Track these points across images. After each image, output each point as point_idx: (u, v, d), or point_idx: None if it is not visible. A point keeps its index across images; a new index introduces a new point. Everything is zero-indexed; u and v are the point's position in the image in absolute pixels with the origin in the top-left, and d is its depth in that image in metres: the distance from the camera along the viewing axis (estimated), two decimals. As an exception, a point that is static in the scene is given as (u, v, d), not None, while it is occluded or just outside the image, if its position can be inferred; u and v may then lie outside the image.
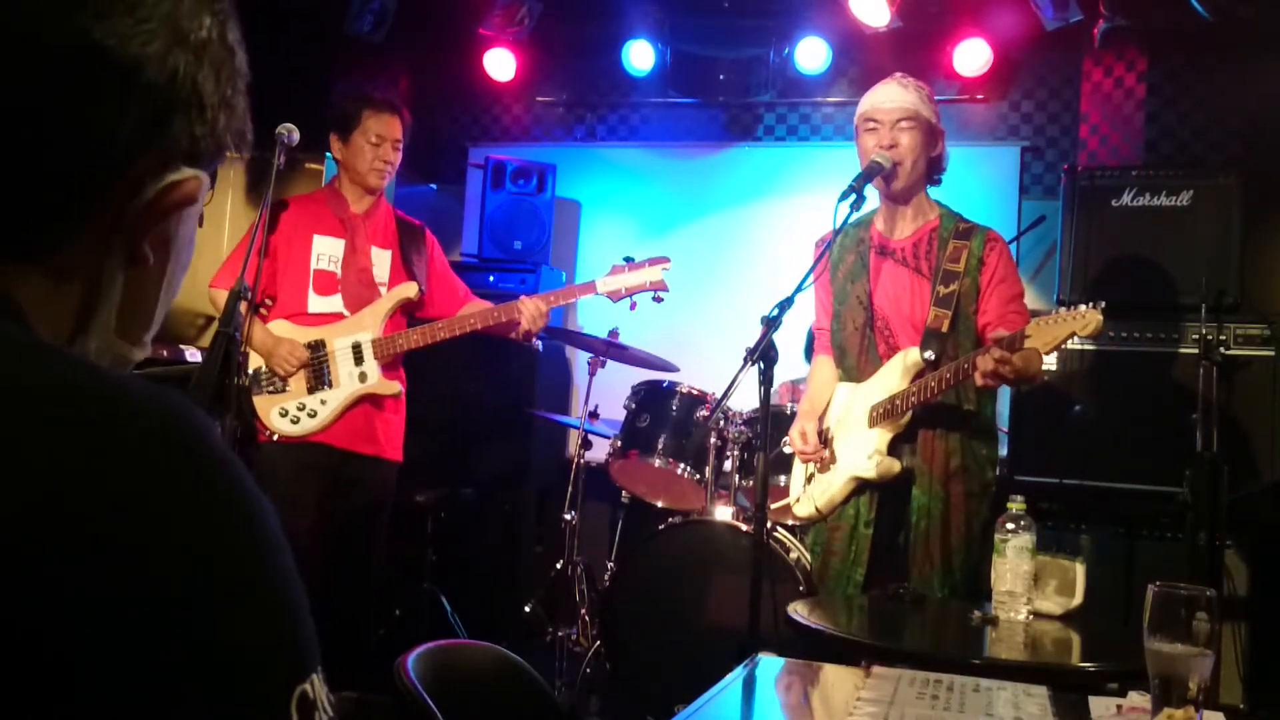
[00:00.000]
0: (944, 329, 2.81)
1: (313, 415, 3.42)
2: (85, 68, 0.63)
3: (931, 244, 2.92)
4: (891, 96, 2.90)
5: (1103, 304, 2.51)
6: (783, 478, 3.57)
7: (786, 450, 3.55)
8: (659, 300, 3.55)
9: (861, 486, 2.90)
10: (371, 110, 3.53)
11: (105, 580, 0.51)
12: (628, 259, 3.57)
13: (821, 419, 3.01)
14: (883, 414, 2.84)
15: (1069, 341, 2.60)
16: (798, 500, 3.04)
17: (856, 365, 2.97)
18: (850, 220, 2.88)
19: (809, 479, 3.04)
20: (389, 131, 3.52)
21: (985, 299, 2.86)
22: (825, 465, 2.97)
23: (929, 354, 2.80)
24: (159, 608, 0.52)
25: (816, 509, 2.96)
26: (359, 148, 3.52)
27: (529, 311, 3.48)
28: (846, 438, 2.95)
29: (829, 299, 3.05)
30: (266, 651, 0.56)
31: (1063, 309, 2.58)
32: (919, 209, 2.95)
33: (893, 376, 2.86)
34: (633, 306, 3.62)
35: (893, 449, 2.87)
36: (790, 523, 3.69)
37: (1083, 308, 2.52)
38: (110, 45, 0.63)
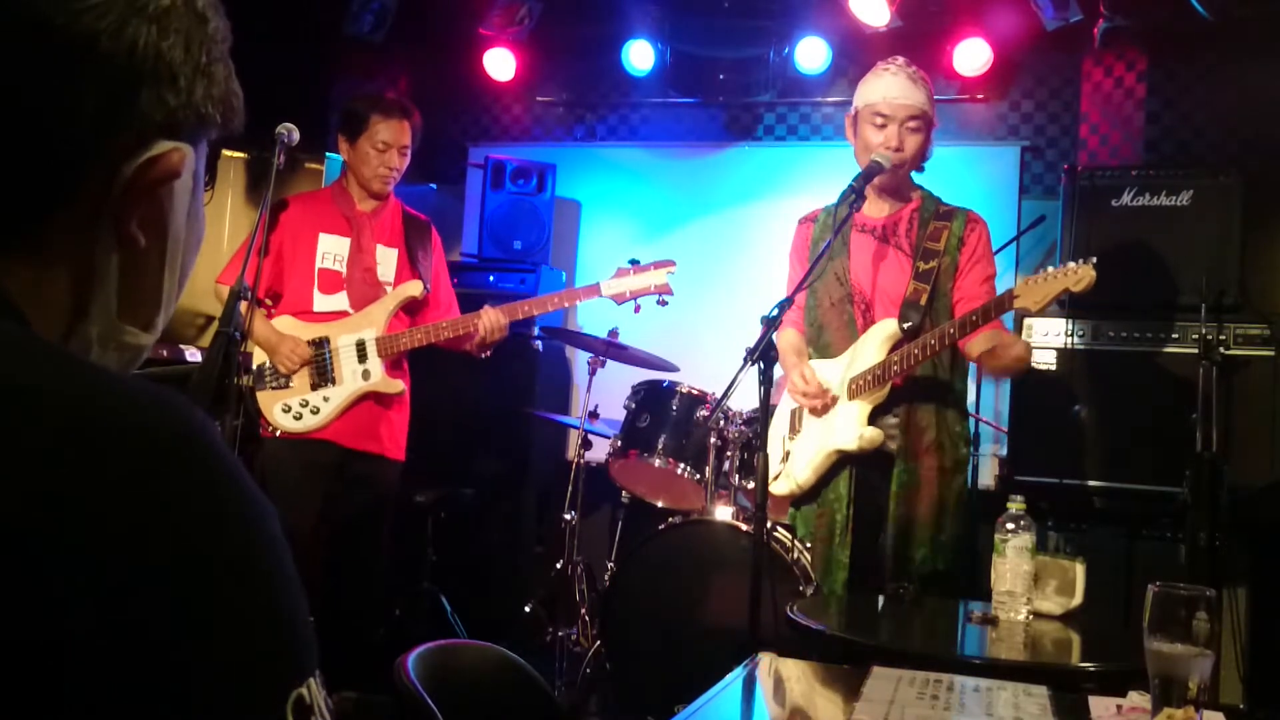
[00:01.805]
0: (922, 302, 2.85)
1: (315, 412, 3.42)
2: (37, 48, 0.61)
3: (912, 223, 2.96)
4: (904, 93, 2.89)
5: (1094, 260, 2.50)
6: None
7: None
8: (663, 304, 3.54)
9: (842, 461, 2.91)
10: (380, 115, 3.49)
11: (102, 582, 0.51)
12: (633, 261, 3.56)
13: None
14: (863, 385, 2.85)
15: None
16: (776, 477, 3.03)
17: (833, 341, 2.99)
18: (835, 202, 2.94)
19: (786, 456, 3.04)
20: (396, 138, 3.50)
21: (961, 277, 2.91)
22: (822, 420, 2.96)
23: (907, 324, 2.82)
24: (155, 610, 0.52)
25: (797, 485, 2.98)
26: (364, 153, 3.50)
27: (486, 322, 3.45)
28: (825, 412, 2.95)
29: (805, 275, 3.04)
30: (262, 654, 0.56)
31: (1051, 267, 2.57)
32: (901, 191, 3.00)
33: (870, 348, 2.87)
34: (636, 309, 3.61)
35: (872, 422, 2.88)
36: (790, 522, 3.69)
37: (1072, 264, 2.52)
38: (60, 23, 0.61)
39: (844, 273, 2.97)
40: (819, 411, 2.93)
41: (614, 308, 3.59)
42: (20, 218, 0.64)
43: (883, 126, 2.89)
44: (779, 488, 3.03)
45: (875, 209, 3.00)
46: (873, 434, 2.84)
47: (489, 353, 3.56)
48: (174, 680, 0.52)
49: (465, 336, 3.50)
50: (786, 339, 3.10)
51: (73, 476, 0.52)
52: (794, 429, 3.05)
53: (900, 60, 2.97)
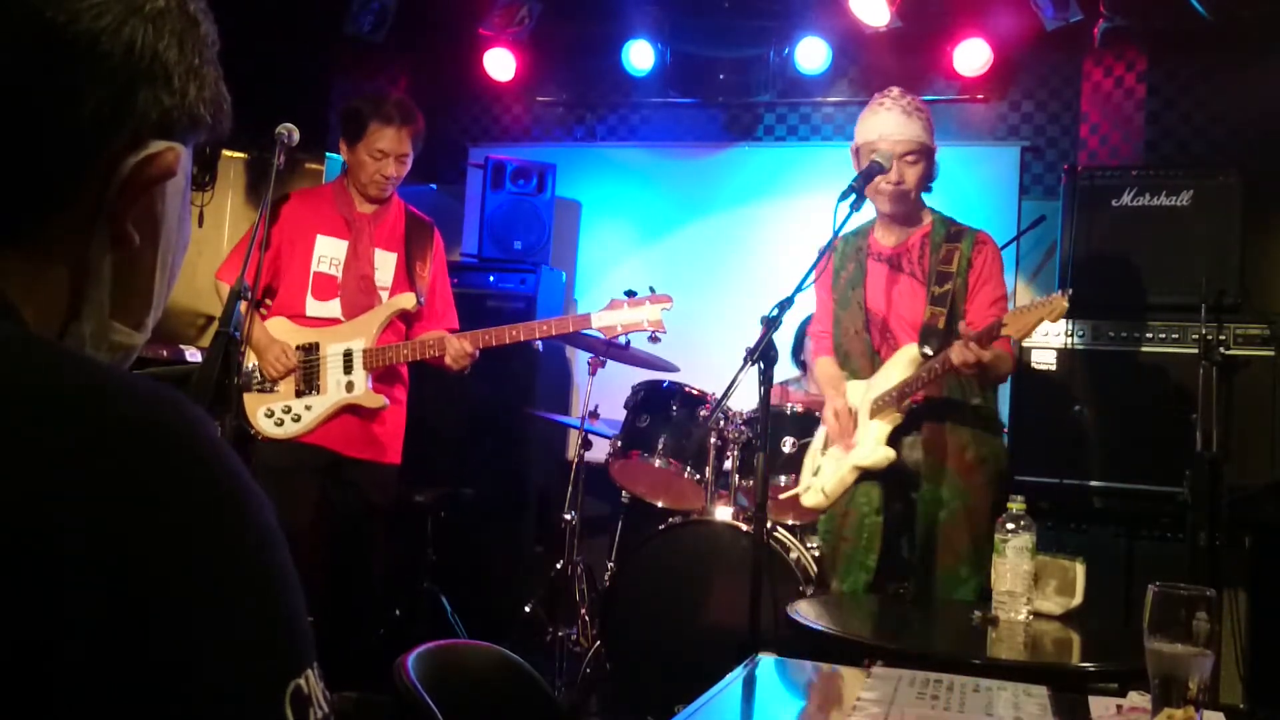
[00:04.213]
0: (940, 325, 2.91)
1: (296, 419, 3.40)
2: (39, 48, 0.62)
3: (924, 249, 3.03)
4: (898, 128, 2.95)
5: (1069, 291, 2.63)
6: (783, 478, 3.58)
7: (786, 450, 3.57)
8: (655, 340, 3.46)
9: (865, 476, 2.98)
10: (379, 122, 3.41)
11: (97, 577, 0.51)
12: (629, 293, 3.47)
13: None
14: (882, 404, 2.93)
15: (1040, 326, 2.74)
16: (807, 489, 3.12)
17: (856, 367, 3.08)
18: (851, 230, 3.03)
19: (816, 470, 3.12)
20: (393, 146, 3.42)
21: (970, 300, 2.97)
22: (843, 444, 3.05)
23: (927, 349, 2.89)
24: (151, 604, 0.52)
25: (824, 496, 3.06)
26: (361, 160, 3.44)
27: (451, 350, 3.39)
28: (850, 439, 3.02)
29: (830, 302, 3.16)
30: (259, 647, 0.56)
31: (1038, 298, 2.72)
32: (912, 217, 3.07)
33: (895, 371, 2.95)
34: (627, 346, 3.57)
35: (898, 444, 2.95)
36: (790, 522, 3.69)
37: (1055, 294, 2.64)
38: (62, 22, 0.62)
39: (863, 301, 3.07)
40: (845, 440, 3.02)
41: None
42: (21, 217, 0.64)
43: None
44: (809, 499, 3.11)
45: (887, 237, 3.09)
46: (887, 453, 2.92)
47: (466, 371, 3.50)
48: (172, 672, 0.52)
49: (442, 356, 3.46)
50: (822, 368, 3.21)
51: (73, 473, 0.52)
52: (826, 444, 3.14)
53: (895, 92, 3.03)
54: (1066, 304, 2.62)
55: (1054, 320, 2.67)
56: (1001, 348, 2.85)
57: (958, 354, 2.71)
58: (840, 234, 2.89)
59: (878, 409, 2.94)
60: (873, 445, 2.93)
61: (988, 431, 2.98)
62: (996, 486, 2.92)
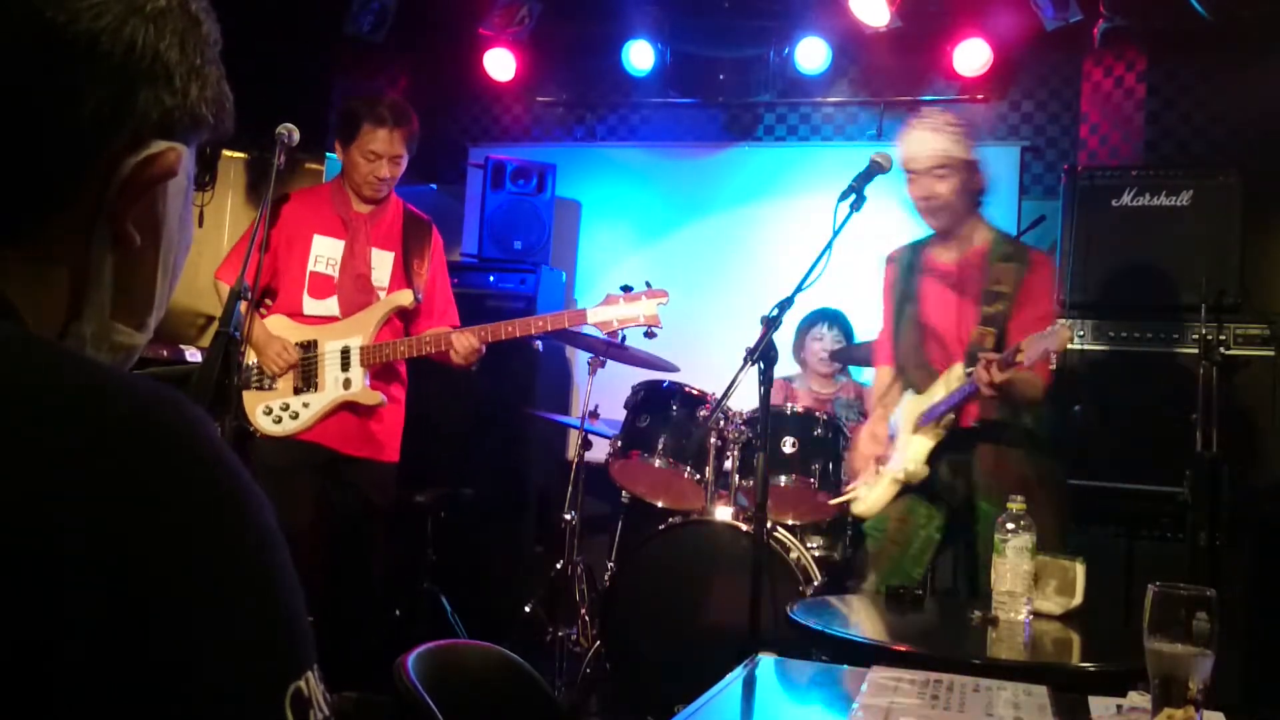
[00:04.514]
0: (988, 345, 2.93)
1: (294, 417, 3.40)
2: (39, 48, 0.62)
3: (979, 268, 3.04)
4: (924, 144, 2.98)
5: (1070, 322, 2.70)
6: (783, 478, 3.58)
7: (786, 450, 3.58)
8: (651, 336, 3.45)
9: (906, 490, 3.01)
10: (372, 123, 3.42)
11: (97, 577, 0.51)
12: (625, 288, 3.45)
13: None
14: (923, 420, 2.97)
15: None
16: (856, 498, 3.17)
17: (915, 381, 3.10)
18: (910, 243, 3.13)
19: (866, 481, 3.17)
20: (386, 148, 3.42)
21: (1015, 319, 2.98)
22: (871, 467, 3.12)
23: (970, 370, 2.90)
24: (151, 604, 0.52)
25: (866, 504, 3.11)
26: (355, 161, 3.45)
27: (460, 347, 3.38)
28: (897, 443, 3.08)
29: (891, 314, 3.20)
30: (259, 648, 0.56)
31: (1049, 328, 2.73)
32: (969, 235, 3.08)
33: (941, 388, 2.98)
34: (623, 341, 3.56)
35: (949, 464, 2.97)
36: (790, 522, 3.70)
37: (1057, 325, 2.71)
38: (62, 22, 0.62)
39: (917, 316, 3.10)
40: (871, 464, 3.07)
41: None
42: (21, 217, 0.64)
43: (913, 180, 3.01)
44: (857, 508, 3.16)
45: (943, 253, 3.11)
46: (920, 469, 2.95)
47: (474, 366, 3.50)
48: (172, 672, 0.52)
49: (446, 353, 3.46)
50: (875, 378, 3.27)
51: (73, 473, 0.52)
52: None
53: (924, 111, 3.09)
54: (1069, 334, 2.69)
55: (1060, 350, 2.69)
56: (1038, 372, 2.86)
57: (977, 374, 2.75)
58: (839, 232, 2.89)
59: (919, 425, 2.97)
60: (909, 459, 2.96)
61: (1041, 451, 2.99)
62: (1057, 504, 2.93)
